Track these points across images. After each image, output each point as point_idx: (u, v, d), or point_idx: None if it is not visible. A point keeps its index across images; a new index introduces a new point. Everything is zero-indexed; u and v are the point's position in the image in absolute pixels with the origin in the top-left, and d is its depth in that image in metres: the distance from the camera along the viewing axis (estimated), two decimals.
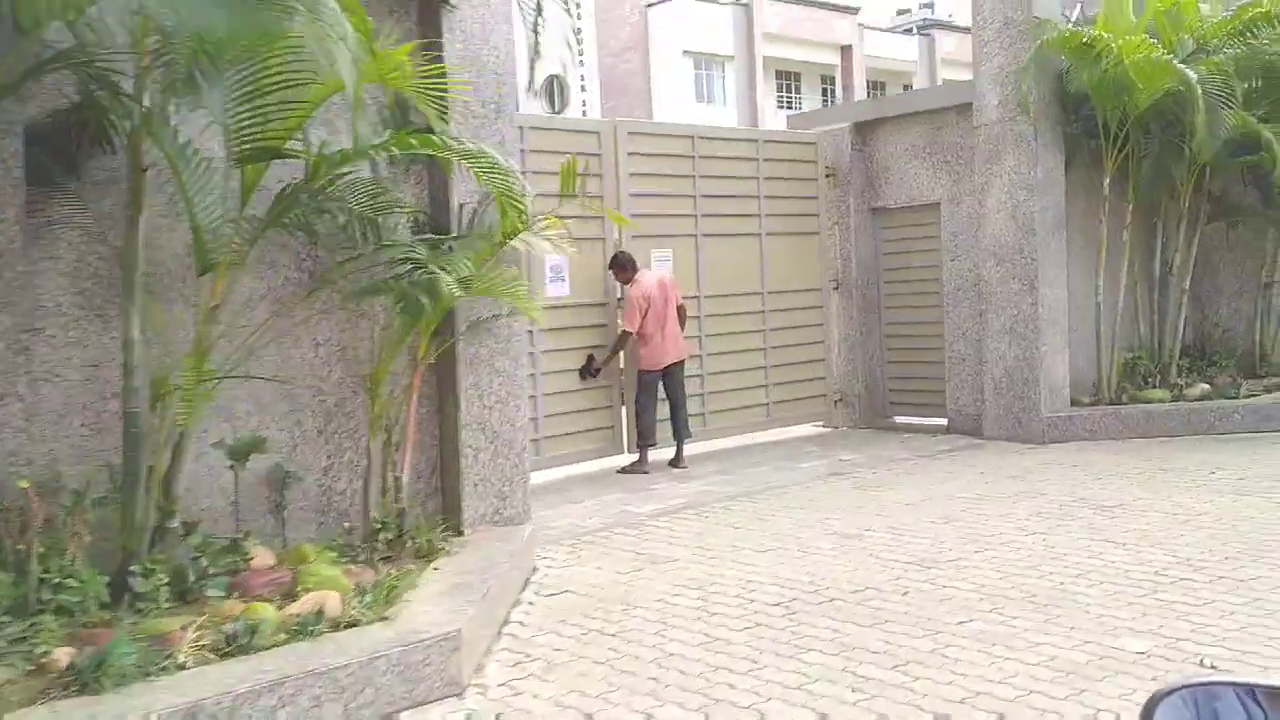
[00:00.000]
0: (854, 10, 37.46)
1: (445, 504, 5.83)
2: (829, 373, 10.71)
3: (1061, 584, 5.24)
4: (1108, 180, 9.62)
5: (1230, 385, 9.99)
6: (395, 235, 5.44)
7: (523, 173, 6.00)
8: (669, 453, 8.95)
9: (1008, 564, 5.62)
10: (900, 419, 10.89)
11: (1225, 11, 9.79)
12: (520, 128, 7.26)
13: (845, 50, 37.51)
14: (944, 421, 10.30)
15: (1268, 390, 9.96)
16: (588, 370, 8.52)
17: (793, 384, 10.39)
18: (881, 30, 40.03)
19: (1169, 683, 1.48)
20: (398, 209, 5.44)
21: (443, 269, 5.15)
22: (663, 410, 8.86)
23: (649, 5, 33.83)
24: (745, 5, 35.10)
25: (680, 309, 8.78)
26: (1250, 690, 1.44)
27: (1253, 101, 9.55)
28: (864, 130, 10.74)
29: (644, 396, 8.67)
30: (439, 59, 5.30)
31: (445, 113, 4.99)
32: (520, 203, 5.25)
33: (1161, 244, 10.40)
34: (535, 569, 5.85)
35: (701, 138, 9.73)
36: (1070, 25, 9.63)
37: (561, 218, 5.92)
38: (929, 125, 10.32)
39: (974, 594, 5.14)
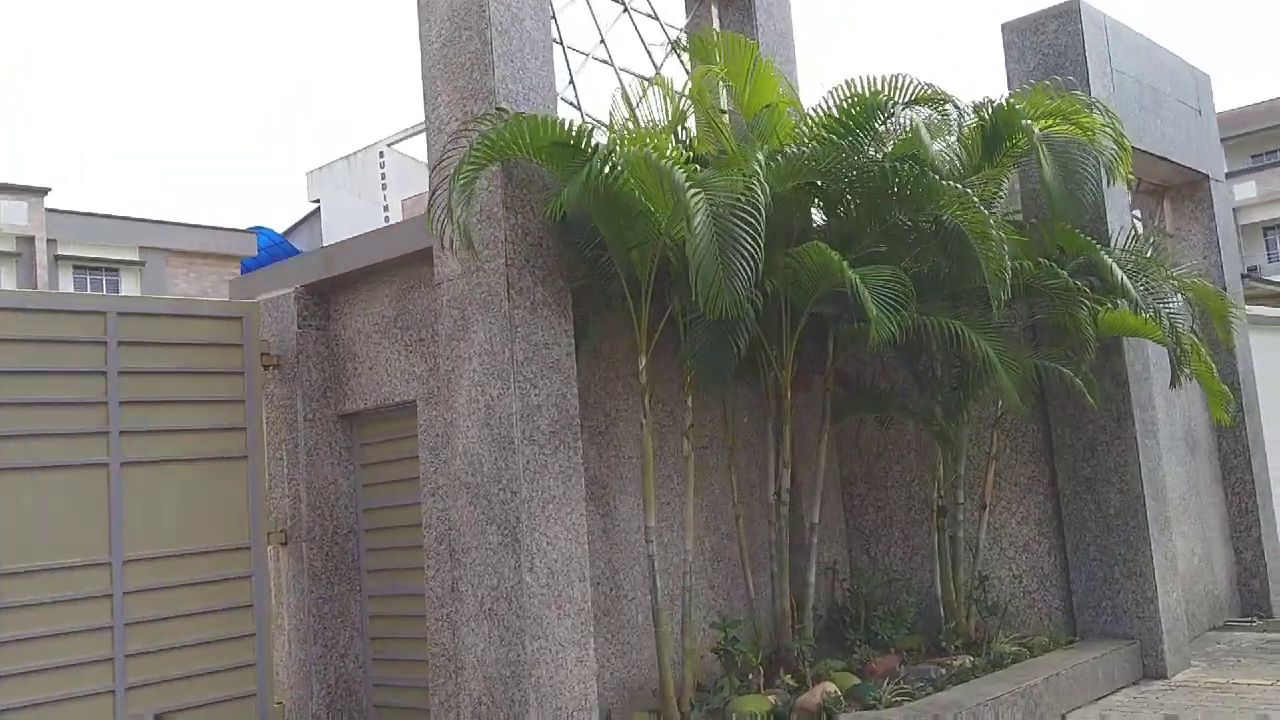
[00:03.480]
0: None
1: None
2: (266, 684, 6.55)
3: None
4: (645, 360, 5.99)
5: (877, 678, 6.19)
6: None
7: None
8: None
9: None
10: None
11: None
12: None
13: None
14: None
15: (937, 687, 6.16)
16: None
17: (185, 713, 6.18)
18: None
19: None
20: None
21: None
22: None
23: None
24: None
25: None
26: None
27: (855, 230, 6.22)
28: (323, 296, 7.02)
29: None
30: None
31: None
32: None
33: (775, 455, 6.81)
34: None
35: None
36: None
37: None
38: (399, 285, 6.66)
39: None
